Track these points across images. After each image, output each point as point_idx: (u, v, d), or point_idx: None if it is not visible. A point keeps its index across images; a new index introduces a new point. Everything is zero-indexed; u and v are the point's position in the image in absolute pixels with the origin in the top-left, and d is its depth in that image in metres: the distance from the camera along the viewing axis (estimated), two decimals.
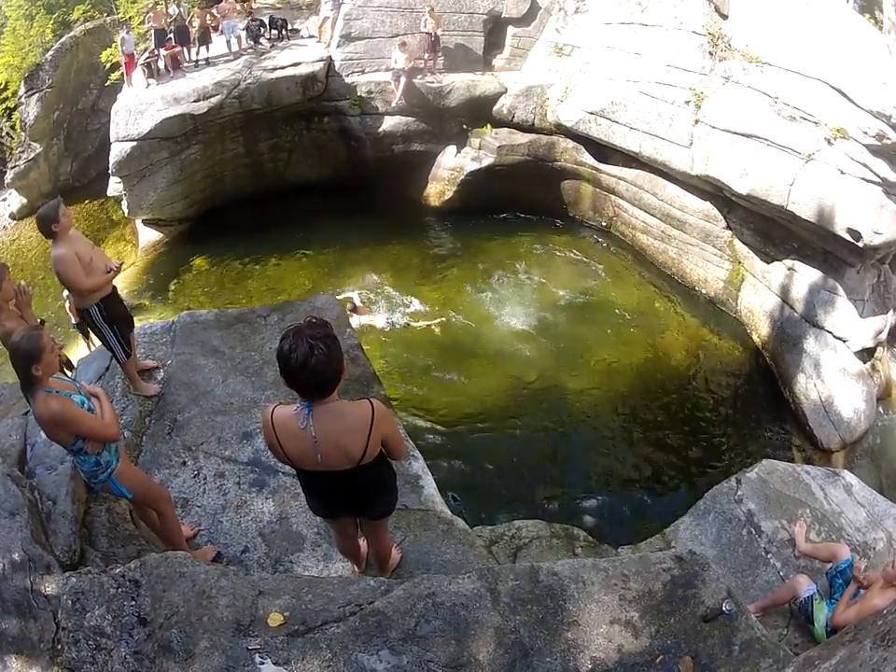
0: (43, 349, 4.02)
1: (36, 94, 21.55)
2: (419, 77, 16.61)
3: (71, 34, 22.86)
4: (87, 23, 23.57)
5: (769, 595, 5.81)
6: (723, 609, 4.08)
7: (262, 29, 17.94)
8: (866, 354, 13.27)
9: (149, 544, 5.23)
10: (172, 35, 17.30)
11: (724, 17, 14.20)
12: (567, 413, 11.67)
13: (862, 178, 11.77)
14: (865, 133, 11.56)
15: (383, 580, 4.05)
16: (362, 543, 4.85)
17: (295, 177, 17.72)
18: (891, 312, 13.83)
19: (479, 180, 16.82)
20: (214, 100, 15.59)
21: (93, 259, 5.98)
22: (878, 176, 11.72)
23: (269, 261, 15.61)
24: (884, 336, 13.64)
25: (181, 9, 18.79)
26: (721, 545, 6.33)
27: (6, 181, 22.31)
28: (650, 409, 12.09)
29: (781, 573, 6.07)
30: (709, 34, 14.09)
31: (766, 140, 12.66)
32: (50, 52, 21.97)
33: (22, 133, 22.05)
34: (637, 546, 6.55)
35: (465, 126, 17.12)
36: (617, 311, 14.23)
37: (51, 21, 23.74)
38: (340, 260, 15.46)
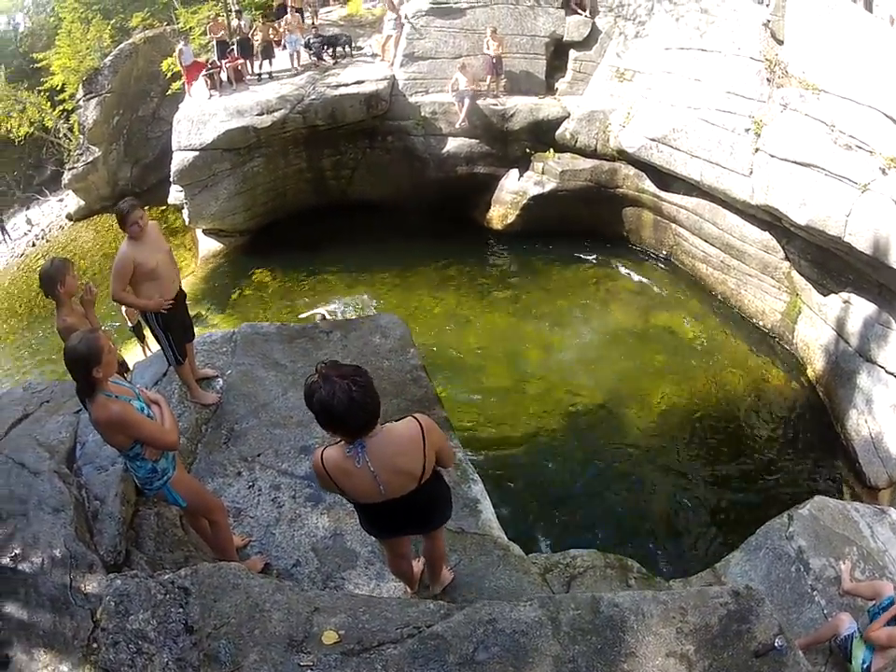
0: (102, 350, 3.98)
1: (95, 98, 22.08)
2: (482, 98, 16.63)
3: (130, 40, 23.49)
4: (146, 31, 24.12)
5: (812, 633, 5.72)
6: (775, 644, 4.03)
7: (325, 46, 18.14)
8: None
9: (198, 551, 5.25)
10: (234, 48, 17.58)
11: (780, 42, 14.01)
12: (622, 442, 11.55)
13: None
14: None
15: (442, 603, 4.00)
16: (416, 564, 4.82)
17: (357, 195, 17.84)
18: None
19: (541, 205, 16.75)
20: (277, 114, 15.81)
21: (158, 268, 5.92)
22: None
23: (330, 277, 15.71)
24: None
25: (243, 22, 19.07)
26: (770, 581, 6.24)
27: (63, 182, 22.80)
28: (704, 441, 11.93)
29: (825, 611, 5.99)
30: (766, 59, 13.92)
31: (824, 169, 12.39)
32: (109, 57, 22.54)
33: (80, 136, 22.52)
34: (688, 580, 6.47)
35: (528, 150, 17.07)
36: (675, 341, 14.10)
37: (109, 27, 24.35)
38: (402, 280, 15.54)
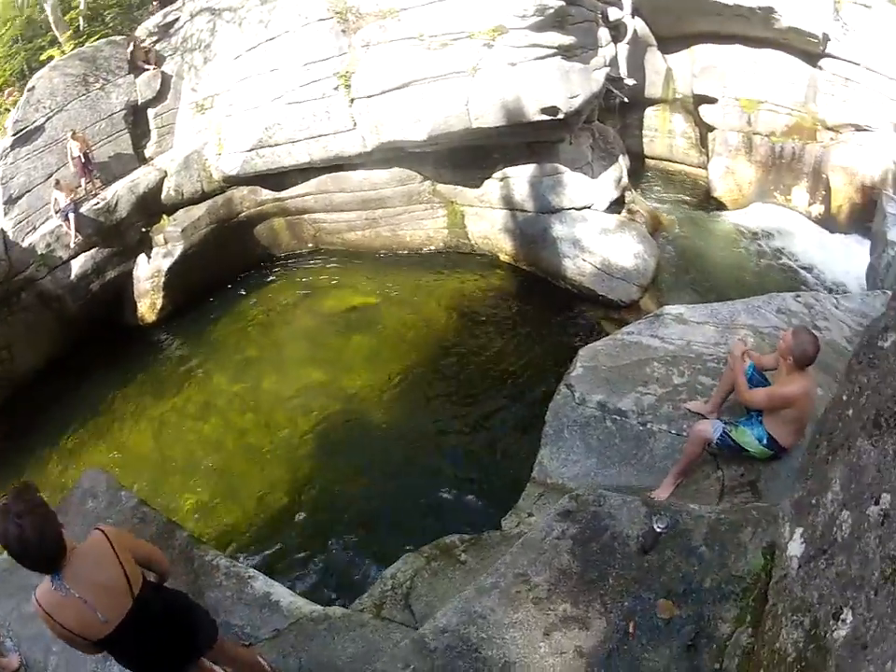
0: None
1: None
2: (84, 204, 15.50)
3: None
4: None
5: (680, 457, 5.38)
6: (656, 528, 3.74)
7: None
8: (617, 204, 13.76)
9: None
10: None
11: None
12: (373, 443, 10.71)
13: (537, 58, 11.98)
14: (524, 16, 11.77)
15: None
16: None
17: (27, 369, 15.24)
18: (621, 156, 14.38)
19: (181, 272, 15.72)
20: None
21: None
22: (553, 47, 11.99)
23: (36, 465, 12.89)
24: (625, 180, 14.19)
25: None
26: (594, 449, 5.93)
27: None
28: (448, 381, 11.67)
29: (673, 431, 5.77)
30: (336, 13, 13.93)
31: (425, 79, 12.65)
32: None
33: None
34: (516, 508, 6.09)
35: (143, 229, 16.06)
36: (365, 316, 13.75)
37: None
38: (95, 430, 13.27)
